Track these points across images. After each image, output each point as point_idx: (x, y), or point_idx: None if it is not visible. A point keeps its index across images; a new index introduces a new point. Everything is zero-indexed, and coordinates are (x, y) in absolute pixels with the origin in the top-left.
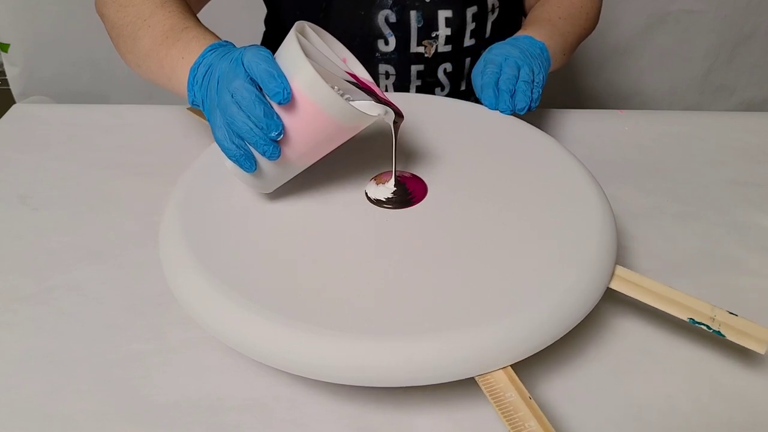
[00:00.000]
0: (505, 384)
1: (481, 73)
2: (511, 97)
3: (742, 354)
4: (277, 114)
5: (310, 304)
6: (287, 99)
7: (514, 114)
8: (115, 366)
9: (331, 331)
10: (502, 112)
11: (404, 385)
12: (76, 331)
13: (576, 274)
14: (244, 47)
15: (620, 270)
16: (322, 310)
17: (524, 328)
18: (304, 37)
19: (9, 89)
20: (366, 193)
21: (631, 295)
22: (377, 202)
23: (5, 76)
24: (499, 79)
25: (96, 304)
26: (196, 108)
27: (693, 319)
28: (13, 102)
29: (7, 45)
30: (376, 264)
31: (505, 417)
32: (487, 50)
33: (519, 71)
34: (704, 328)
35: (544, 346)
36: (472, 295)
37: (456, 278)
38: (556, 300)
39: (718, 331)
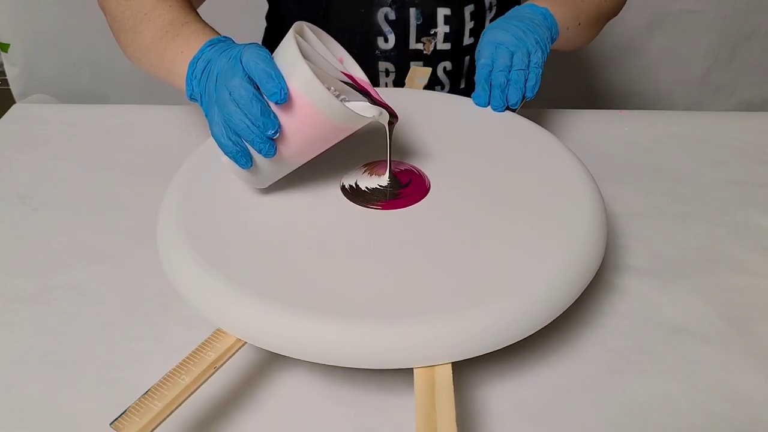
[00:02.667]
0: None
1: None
2: (503, 91)
3: (742, 353)
4: (273, 113)
5: (307, 291)
6: (284, 99)
7: (509, 108)
8: (115, 366)
9: (330, 316)
10: (494, 110)
11: (388, 367)
12: (76, 331)
13: (562, 262)
14: (243, 45)
15: (441, 369)
16: (320, 297)
17: (507, 314)
18: (302, 37)
19: (9, 89)
20: (349, 184)
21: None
22: (361, 192)
23: (5, 76)
24: (491, 72)
25: (96, 304)
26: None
27: None
28: (13, 102)
29: (7, 45)
30: (368, 253)
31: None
32: (482, 34)
33: (512, 59)
34: None
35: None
36: (458, 281)
37: (445, 267)
38: (542, 287)
39: None
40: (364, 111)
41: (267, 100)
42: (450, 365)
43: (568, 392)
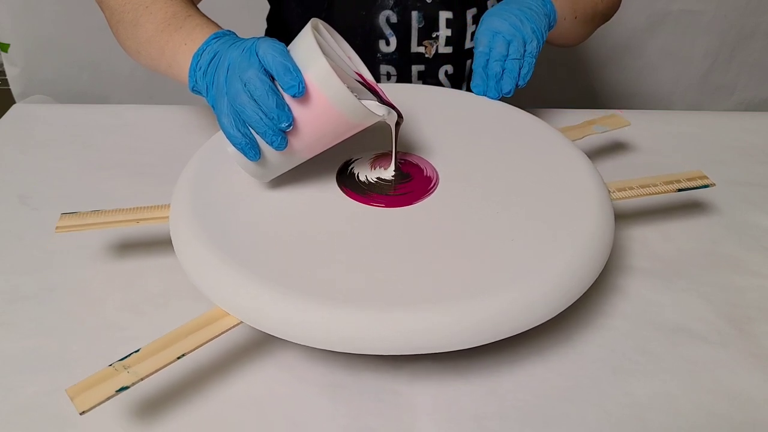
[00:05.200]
0: None
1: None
2: (498, 81)
3: (742, 353)
4: (288, 105)
5: (315, 278)
6: (302, 93)
7: (503, 99)
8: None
9: (335, 302)
10: (490, 98)
11: (385, 354)
12: (76, 331)
13: (570, 253)
14: (257, 38)
15: (229, 319)
16: (326, 285)
17: (514, 304)
18: (318, 33)
19: (9, 89)
20: (357, 176)
21: None
22: (367, 184)
23: (5, 76)
24: (488, 61)
25: (96, 304)
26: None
27: None
28: (13, 102)
29: (7, 45)
30: (373, 245)
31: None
32: (480, 21)
33: (509, 48)
34: None
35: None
36: (474, 270)
37: (450, 258)
38: (553, 275)
39: None
40: (374, 109)
41: (282, 93)
42: (240, 323)
43: (569, 392)
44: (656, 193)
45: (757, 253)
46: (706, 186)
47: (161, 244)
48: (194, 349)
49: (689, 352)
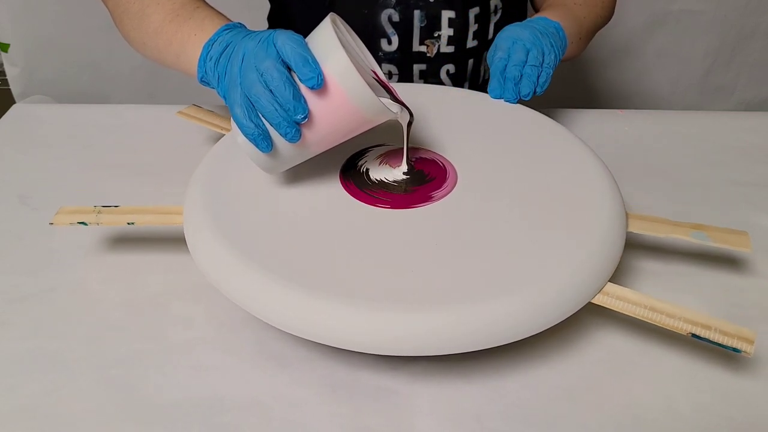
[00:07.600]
0: None
1: (491, 61)
2: (516, 84)
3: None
4: (304, 97)
5: (326, 275)
6: (320, 85)
7: (521, 101)
8: (115, 366)
9: (348, 300)
10: (507, 101)
11: (396, 354)
12: (76, 331)
13: (578, 261)
14: (273, 30)
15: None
16: (331, 282)
17: (527, 306)
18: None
19: (9, 89)
20: (369, 176)
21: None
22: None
23: (5, 76)
24: (506, 66)
25: (96, 304)
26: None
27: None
28: (13, 102)
29: (7, 45)
30: (382, 245)
31: None
32: (500, 32)
33: (528, 55)
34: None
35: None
36: (480, 273)
37: (466, 259)
38: (566, 274)
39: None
40: (389, 107)
41: (299, 85)
42: (180, 224)
43: (569, 393)
44: (667, 326)
45: (757, 253)
46: (737, 351)
47: (161, 242)
48: (142, 224)
49: (689, 352)
